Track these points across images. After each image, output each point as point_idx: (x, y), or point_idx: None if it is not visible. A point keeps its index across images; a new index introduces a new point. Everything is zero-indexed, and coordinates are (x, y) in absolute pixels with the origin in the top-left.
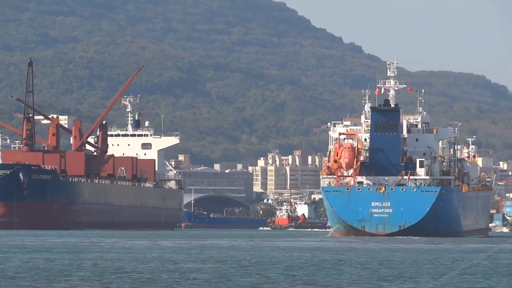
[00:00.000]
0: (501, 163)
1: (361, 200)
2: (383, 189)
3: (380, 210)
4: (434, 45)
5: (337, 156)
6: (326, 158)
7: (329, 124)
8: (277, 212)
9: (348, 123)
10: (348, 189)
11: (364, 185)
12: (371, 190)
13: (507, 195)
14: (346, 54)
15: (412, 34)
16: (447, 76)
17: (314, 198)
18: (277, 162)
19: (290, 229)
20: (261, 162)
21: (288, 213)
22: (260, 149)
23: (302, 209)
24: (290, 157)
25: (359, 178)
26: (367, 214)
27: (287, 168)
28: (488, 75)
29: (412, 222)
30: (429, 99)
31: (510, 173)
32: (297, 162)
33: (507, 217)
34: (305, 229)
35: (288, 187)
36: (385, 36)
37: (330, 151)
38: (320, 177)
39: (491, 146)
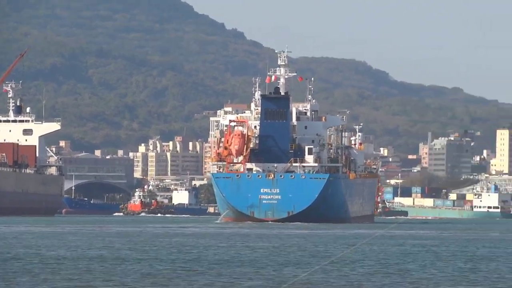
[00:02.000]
0: (381, 149)
1: (251, 187)
2: (272, 176)
3: (269, 197)
4: (316, 31)
5: (227, 143)
6: (209, 144)
7: (219, 111)
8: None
9: (229, 109)
10: (238, 175)
11: (253, 172)
12: (260, 177)
13: (388, 181)
14: (228, 40)
15: (294, 20)
16: (328, 62)
17: (195, 184)
18: (158, 148)
19: (142, 214)
20: (142, 148)
21: (141, 199)
22: (141, 135)
23: (183, 196)
24: (171, 143)
25: (248, 165)
26: (256, 200)
27: (168, 154)
28: (369, 61)
29: (301, 208)
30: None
31: (390, 159)
32: (178, 148)
33: (387, 203)
34: (156, 215)
35: (169, 173)
36: (267, 22)
37: (220, 138)
38: (210, 163)
39: (372, 132)
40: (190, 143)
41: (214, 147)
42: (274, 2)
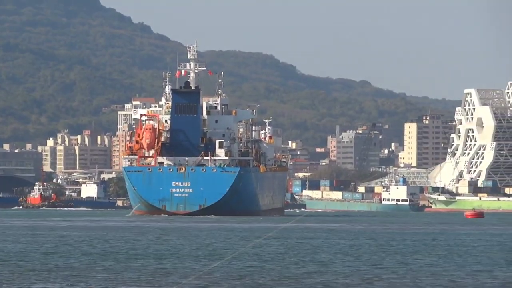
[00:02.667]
0: (290, 142)
1: (162, 180)
2: (184, 169)
3: (180, 190)
4: (223, 24)
5: (138, 137)
6: (117, 138)
7: (127, 104)
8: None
9: (137, 102)
10: (149, 169)
11: (165, 166)
12: (171, 170)
13: (296, 174)
14: (135, 33)
15: (200, 14)
16: (236, 55)
17: (103, 177)
18: (66, 142)
19: (43, 208)
20: (50, 142)
21: (41, 192)
22: (49, 129)
23: (91, 189)
24: (79, 136)
25: (160, 159)
26: (167, 193)
27: (76, 148)
28: (276, 54)
29: (212, 201)
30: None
31: (298, 153)
32: (87, 142)
33: (296, 196)
34: (58, 208)
35: (77, 167)
36: (173, 15)
37: (131, 132)
38: (122, 157)
39: (280, 125)
40: (99, 137)
41: (123, 140)
42: None
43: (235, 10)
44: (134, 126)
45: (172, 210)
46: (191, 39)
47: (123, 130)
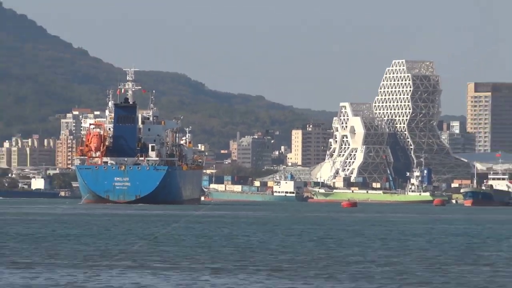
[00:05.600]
0: (199, 145)
1: (107, 176)
2: (124, 167)
3: (121, 184)
4: (146, 48)
5: (88, 141)
6: (60, 141)
7: (68, 114)
8: None
9: (77, 112)
10: (96, 167)
11: (109, 164)
12: (114, 168)
13: (204, 171)
14: (75, 56)
15: (129, 41)
16: (156, 75)
17: (49, 173)
18: (20, 144)
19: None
20: (6, 144)
21: None
22: (5, 134)
23: (40, 182)
24: (30, 140)
25: (105, 159)
26: (111, 186)
27: (28, 149)
28: (188, 74)
29: (146, 193)
30: (145, 94)
31: (207, 154)
32: (36, 144)
33: (204, 189)
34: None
35: (28, 164)
36: (107, 42)
37: (82, 137)
38: (75, 157)
39: (192, 132)
40: (45, 140)
41: (65, 143)
42: (117, 26)
43: (155, 37)
44: (83, 132)
45: (114, 199)
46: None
47: (65, 135)
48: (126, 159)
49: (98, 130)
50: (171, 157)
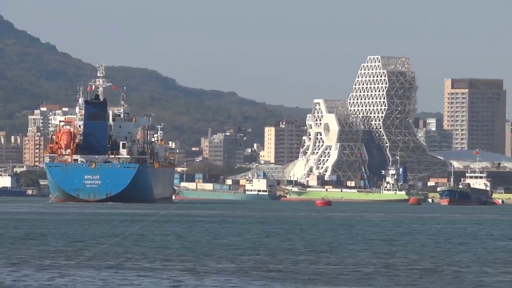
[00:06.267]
0: (170, 142)
1: (77, 174)
2: (94, 165)
3: (91, 182)
4: (116, 44)
5: (58, 138)
6: (27, 138)
7: (36, 110)
8: None
9: (44, 109)
10: (66, 165)
11: (79, 162)
12: (84, 166)
13: (175, 169)
14: (43, 51)
15: (99, 35)
16: (125, 70)
17: (16, 171)
18: None
19: None
20: None
21: None
22: None
23: (6, 180)
24: None
25: (75, 156)
26: (81, 184)
27: None
28: (159, 70)
29: (117, 191)
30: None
31: (177, 151)
32: (2, 141)
33: (175, 187)
34: None
35: None
36: (76, 37)
37: (52, 134)
38: (44, 155)
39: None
40: (12, 137)
41: (33, 140)
42: (83, 19)
43: (125, 32)
44: (51, 129)
45: (84, 198)
46: (90, 56)
47: (33, 132)
48: (96, 156)
49: (68, 127)
50: (142, 155)
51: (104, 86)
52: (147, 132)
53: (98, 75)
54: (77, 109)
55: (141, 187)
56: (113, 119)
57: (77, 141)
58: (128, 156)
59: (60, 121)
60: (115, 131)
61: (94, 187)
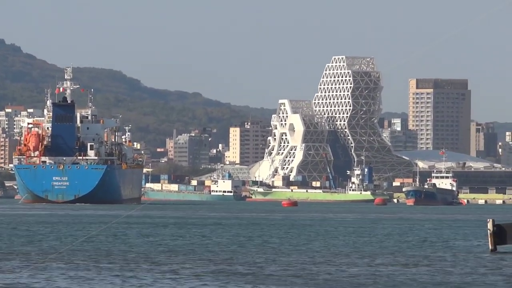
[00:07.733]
0: (135, 143)
1: (45, 175)
2: (62, 166)
3: (60, 183)
4: (80, 44)
5: (26, 140)
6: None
7: (1, 112)
8: None
9: (10, 110)
10: (35, 166)
11: (47, 164)
12: (52, 167)
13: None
14: (7, 52)
15: (63, 36)
16: (90, 71)
17: None
18: None
19: None
20: None
21: None
22: None
23: None
24: None
25: (43, 158)
26: (49, 186)
27: None
28: (124, 70)
29: (85, 192)
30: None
31: (142, 152)
32: None
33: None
34: None
35: None
36: (40, 38)
37: (20, 136)
38: (13, 157)
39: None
40: None
41: (1, 141)
42: (51, 22)
43: (89, 33)
44: (16, 131)
45: (53, 199)
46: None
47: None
48: (64, 158)
49: (36, 129)
50: (110, 156)
51: (71, 88)
52: (116, 134)
53: (65, 77)
54: (45, 111)
55: (109, 188)
56: (81, 121)
57: (45, 143)
58: (96, 158)
59: (28, 123)
60: (83, 133)
61: (62, 189)
